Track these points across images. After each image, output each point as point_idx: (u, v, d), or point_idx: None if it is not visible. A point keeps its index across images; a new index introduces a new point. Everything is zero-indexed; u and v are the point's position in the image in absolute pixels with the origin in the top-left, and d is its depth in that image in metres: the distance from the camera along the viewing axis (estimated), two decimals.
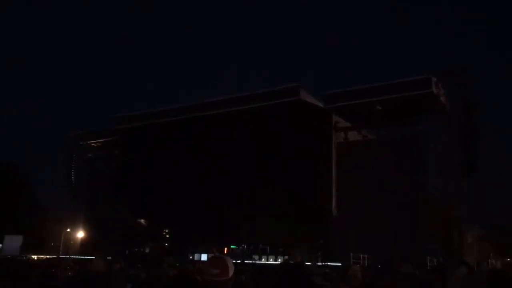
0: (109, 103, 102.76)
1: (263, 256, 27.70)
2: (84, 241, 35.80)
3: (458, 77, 25.49)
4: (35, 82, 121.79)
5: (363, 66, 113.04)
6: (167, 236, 37.01)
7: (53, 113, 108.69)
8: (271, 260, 27.12)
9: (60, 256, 33.02)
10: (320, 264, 22.28)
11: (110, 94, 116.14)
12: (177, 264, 14.31)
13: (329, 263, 21.99)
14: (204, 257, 29.06)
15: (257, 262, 25.45)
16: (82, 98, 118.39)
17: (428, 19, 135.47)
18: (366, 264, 21.71)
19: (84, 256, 30.69)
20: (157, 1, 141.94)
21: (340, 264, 21.24)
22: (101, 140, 36.54)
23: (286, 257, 26.59)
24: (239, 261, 22.31)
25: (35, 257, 29.91)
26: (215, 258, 2.92)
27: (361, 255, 22.67)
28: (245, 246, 29.30)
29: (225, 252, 29.73)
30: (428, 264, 21.26)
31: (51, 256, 33.10)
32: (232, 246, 30.34)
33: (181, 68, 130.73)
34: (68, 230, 38.41)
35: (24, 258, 27.06)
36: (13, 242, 33.16)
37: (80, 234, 36.32)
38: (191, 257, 29.30)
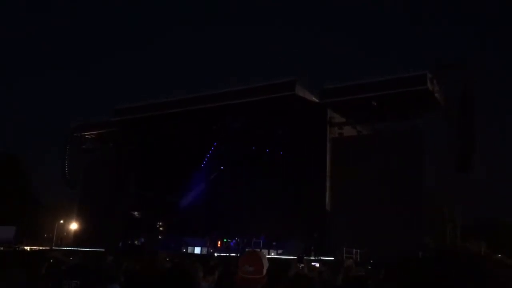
0: (106, 96, 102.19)
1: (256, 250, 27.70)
2: (77, 233, 35.71)
3: (456, 72, 25.41)
4: (34, 75, 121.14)
5: (359, 62, 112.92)
6: (161, 229, 37.03)
7: (49, 104, 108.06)
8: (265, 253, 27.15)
9: (53, 248, 32.95)
10: (314, 258, 22.38)
11: (107, 88, 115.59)
12: (167, 259, 14.36)
13: (322, 257, 22.11)
14: (197, 250, 29.07)
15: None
16: (79, 90, 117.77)
17: (426, 15, 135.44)
18: (358, 259, 21.80)
19: (77, 247, 30.66)
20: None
21: (332, 258, 21.36)
22: (95, 132, 36.37)
23: (280, 251, 26.65)
24: (234, 254, 22.33)
25: (27, 248, 29.77)
26: (250, 253, 2.84)
27: (354, 250, 22.75)
28: (239, 240, 29.31)
29: (219, 245, 29.77)
30: None
31: (44, 248, 33.01)
32: (225, 240, 30.36)
33: (179, 64, 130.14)
34: (62, 221, 38.32)
35: (18, 249, 26.92)
36: (6, 233, 32.94)
37: (74, 226, 36.22)
38: (184, 250, 29.31)
